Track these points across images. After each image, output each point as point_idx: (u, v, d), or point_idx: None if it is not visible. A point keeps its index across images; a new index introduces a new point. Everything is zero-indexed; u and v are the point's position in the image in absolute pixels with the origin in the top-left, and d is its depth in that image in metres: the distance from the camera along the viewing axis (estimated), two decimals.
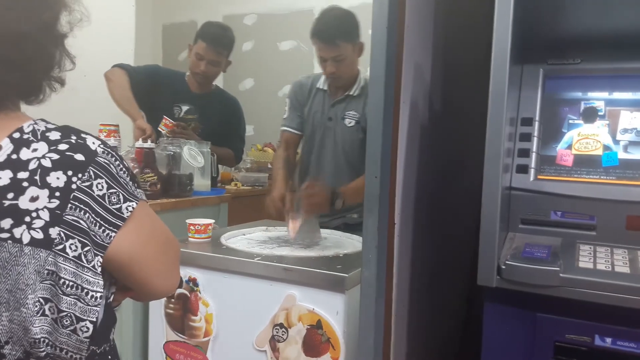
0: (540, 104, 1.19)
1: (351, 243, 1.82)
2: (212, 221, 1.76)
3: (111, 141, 2.09)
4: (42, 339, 0.70)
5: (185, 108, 2.60)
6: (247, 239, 1.85)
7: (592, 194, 1.10)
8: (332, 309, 1.36)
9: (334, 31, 1.94)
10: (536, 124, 1.17)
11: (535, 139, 1.16)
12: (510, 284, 1.02)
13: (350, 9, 1.92)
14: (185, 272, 1.58)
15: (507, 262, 1.02)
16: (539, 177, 1.15)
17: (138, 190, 0.81)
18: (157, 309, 1.65)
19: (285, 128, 2.23)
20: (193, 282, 1.57)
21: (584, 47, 1.16)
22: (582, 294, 0.97)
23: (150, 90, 2.50)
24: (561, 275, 0.98)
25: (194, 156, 2.21)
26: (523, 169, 1.16)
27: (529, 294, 1.02)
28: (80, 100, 2.82)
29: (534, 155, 1.16)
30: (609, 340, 0.99)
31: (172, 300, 1.61)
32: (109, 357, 0.84)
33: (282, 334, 1.43)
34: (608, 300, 0.95)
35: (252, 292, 1.49)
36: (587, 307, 0.97)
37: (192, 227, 1.72)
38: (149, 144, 2.06)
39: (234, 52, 4.21)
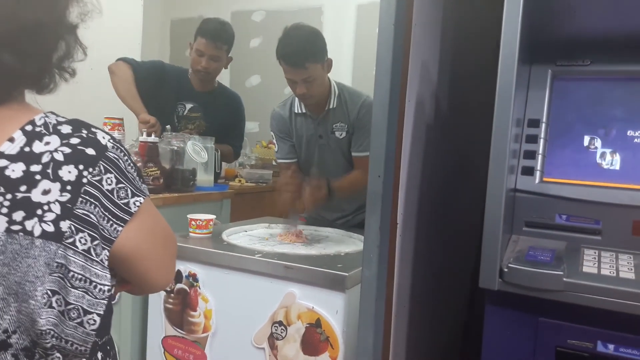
0: (548, 105, 1.17)
1: (353, 242, 1.81)
2: (213, 217, 1.76)
3: (115, 134, 2.08)
4: (48, 331, 0.71)
5: (189, 106, 2.59)
6: (248, 236, 1.84)
7: (598, 198, 1.08)
8: (331, 308, 1.36)
9: (302, 54, 1.87)
10: (543, 126, 1.16)
11: (541, 141, 1.15)
12: (513, 287, 1.01)
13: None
14: (186, 267, 1.57)
15: (509, 265, 1.01)
16: (545, 179, 1.14)
17: (143, 185, 0.82)
18: (157, 303, 1.64)
19: (281, 160, 2.25)
20: (193, 277, 1.56)
21: (594, 48, 1.15)
22: (586, 299, 0.95)
23: (154, 87, 2.50)
24: (564, 279, 0.96)
25: (197, 151, 2.20)
26: (529, 171, 1.14)
27: (531, 297, 1.00)
28: (86, 94, 2.82)
29: (540, 157, 1.14)
30: (611, 346, 0.97)
31: (172, 295, 1.60)
32: (107, 347, 0.85)
33: (281, 332, 1.42)
34: (612, 306, 0.93)
35: (252, 289, 1.48)
36: (590, 312, 0.96)
37: (193, 223, 1.71)
38: (152, 138, 2.05)
39: (241, 49, 4.19)
